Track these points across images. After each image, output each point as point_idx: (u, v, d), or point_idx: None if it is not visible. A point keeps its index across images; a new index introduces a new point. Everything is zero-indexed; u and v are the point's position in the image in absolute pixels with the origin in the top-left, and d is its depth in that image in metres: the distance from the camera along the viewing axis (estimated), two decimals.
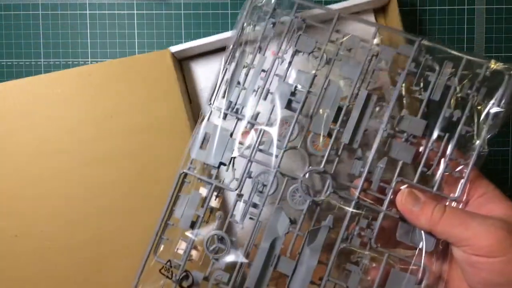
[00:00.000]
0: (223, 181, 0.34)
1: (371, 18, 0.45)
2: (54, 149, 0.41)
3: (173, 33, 0.46)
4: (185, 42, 0.42)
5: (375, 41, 0.33)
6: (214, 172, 0.33)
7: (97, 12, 0.46)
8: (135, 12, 0.46)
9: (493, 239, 0.27)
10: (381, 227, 0.32)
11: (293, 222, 0.33)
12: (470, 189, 0.32)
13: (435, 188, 0.32)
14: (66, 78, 0.42)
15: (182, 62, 0.45)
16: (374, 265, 0.32)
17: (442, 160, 0.32)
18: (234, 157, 0.33)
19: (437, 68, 0.33)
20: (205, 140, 0.33)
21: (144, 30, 0.46)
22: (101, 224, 0.41)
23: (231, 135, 0.33)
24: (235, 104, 0.34)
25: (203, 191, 0.33)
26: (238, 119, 0.33)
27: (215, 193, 0.33)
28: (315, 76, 0.33)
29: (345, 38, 0.33)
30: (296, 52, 0.34)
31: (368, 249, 0.32)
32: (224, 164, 0.33)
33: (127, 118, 0.42)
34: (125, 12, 0.46)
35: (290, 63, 0.33)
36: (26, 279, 0.42)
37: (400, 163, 0.32)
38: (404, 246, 0.33)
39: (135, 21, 0.46)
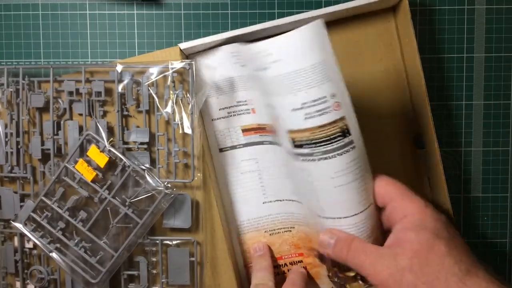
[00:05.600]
0: None
1: (382, 18, 0.44)
2: None
3: (173, 33, 0.46)
4: (185, 42, 0.42)
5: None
6: None
7: (97, 12, 0.46)
8: (135, 12, 0.46)
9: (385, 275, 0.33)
10: None
11: None
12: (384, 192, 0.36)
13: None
14: None
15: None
16: (154, 248, 0.43)
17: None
18: None
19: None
20: None
21: (144, 30, 0.46)
22: None
23: None
24: None
25: None
26: None
27: None
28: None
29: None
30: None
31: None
32: None
33: None
34: (125, 12, 0.46)
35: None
36: None
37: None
38: None
39: (135, 21, 0.46)
